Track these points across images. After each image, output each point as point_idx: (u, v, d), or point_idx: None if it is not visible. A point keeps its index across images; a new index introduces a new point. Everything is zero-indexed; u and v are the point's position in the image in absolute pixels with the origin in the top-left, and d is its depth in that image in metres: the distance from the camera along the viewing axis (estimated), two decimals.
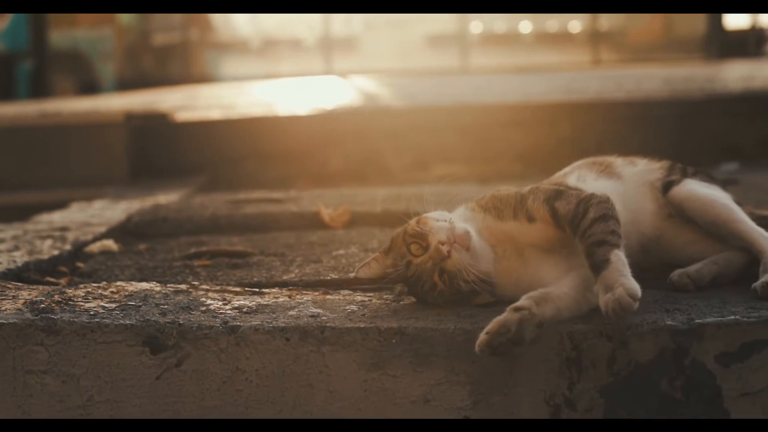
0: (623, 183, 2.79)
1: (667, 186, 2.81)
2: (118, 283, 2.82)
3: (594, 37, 17.31)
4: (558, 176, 2.84)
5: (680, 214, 2.79)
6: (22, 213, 4.92)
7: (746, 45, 15.98)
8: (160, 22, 18.49)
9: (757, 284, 2.56)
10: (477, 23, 18.46)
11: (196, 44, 18.52)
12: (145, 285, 2.80)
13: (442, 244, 2.42)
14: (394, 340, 2.35)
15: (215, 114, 7.41)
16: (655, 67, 13.54)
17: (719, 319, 2.37)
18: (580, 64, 16.10)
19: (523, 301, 2.31)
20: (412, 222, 2.52)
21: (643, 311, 2.43)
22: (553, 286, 2.42)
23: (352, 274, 2.98)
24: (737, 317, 2.37)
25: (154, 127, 6.93)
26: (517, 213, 2.55)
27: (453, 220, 2.49)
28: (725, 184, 4.85)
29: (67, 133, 6.98)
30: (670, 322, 2.35)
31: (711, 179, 2.92)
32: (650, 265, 2.79)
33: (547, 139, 6.85)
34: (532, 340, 2.29)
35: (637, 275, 2.37)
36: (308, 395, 2.37)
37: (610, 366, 2.35)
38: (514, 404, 2.36)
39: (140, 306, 2.55)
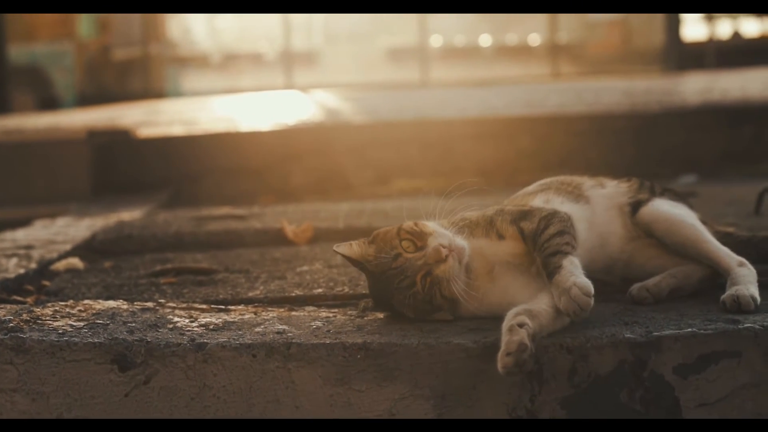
0: (591, 206, 2.83)
1: (635, 206, 2.85)
2: (86, 301, 2.85)
3: (553, 50, 17.45)
4: (522, 195, 2.89)
5: (648, 234, 2.84)
6: None
7: (704, 57, 16.16)
8: (120, 37, 18.44)
9: (725, 297, 2.61)
10: (437, 36, 18.56)
11: (157, 59, 18.48)
12: (112, 303, 2.83)
13: (443, 247, 2.46)
14: (359, 356, 2.39)
15: (177, 130, 7.42)
16: (613, 79, 13.66)
17: (677, 331, 2.42)
18: (540, 76, 16.22)
19: (519, 318, 2.33)
20: (410, 222, 2.56)
21: (602, 324, 2.50)
22: (532, 302, 2.45)
23: (318, 290, 3.03)
24: (694, 329, 2.42)
25: (117, 144, 6.93)
26: (488, 232, 2.60)
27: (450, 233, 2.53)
28: (685, 196, 4.97)
29: (29, 151, 6.97)
30: (628, 335, 2.41)
31: (678, 197, 2.97)
32: (611, 280, 2.85)
33: (508, 153, 6.91)
34: None
35: (598, 290, 2.44)
36: (274, 411, 2.40)
37: (570, 378, 2.40)
38: (478, 417, 2.40)
39: (108, 324, 2.58)
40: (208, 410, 2.41)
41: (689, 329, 2.43)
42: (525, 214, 2.63)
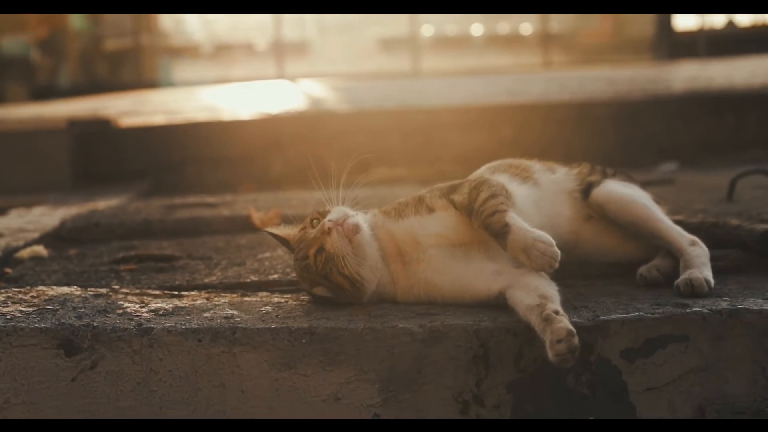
0: (540, 189, 2.83)
1: (587, 188, 2.86)
2: (40, 287, 2.85)
3: (545, 40, 17.41)
4: (472, 177, 2.89)
5: (601, 214, 2.85)
6: None
7: (695, 46, 16.12)
8: (112, 28, 18.40)
9: (679, 281, 2.62)
10: (428, 26, 18.52)
11: (148, 50, 18.45)
12: (65, 289, 2.83)
13: (330, 221, 2.50)
14: (304, 340, 2.39)
15: (158, 119, 7.42)
16: (604, 68, 13.64)
17: (623, 315, 2.43)
18: (531, 66, 16.20)
19: (550, 306, 2.32)
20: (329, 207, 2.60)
21: None
22: (535, 287, 2.44)
23: (273, 276, 3.03)
24: (641, 313, 2.43)
25: (97, 134, 6.92)
26: (418, 208, 2.61)
27: (356, 215, 2.55)
28: (661, 184, 4.98)
29: (10, 140, 6.97)
30: (575, 319, 2.40)
31: (629, 179, 2.98)
32: (569, 261, 2.85)
33: (489, 141, 6.90)
34: None
35: (553, 275, 2.47)
36: (221, 395, 2.41)
37: (517, 363, 2.40)
38: (424, 401, 2.40)
39: (58, 310, 2.58)
40: (155, 395, 2.41)
41: (636, 313, 2.44)
42: (455, 187, 2.65)
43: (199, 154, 6.98)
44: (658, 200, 2.95)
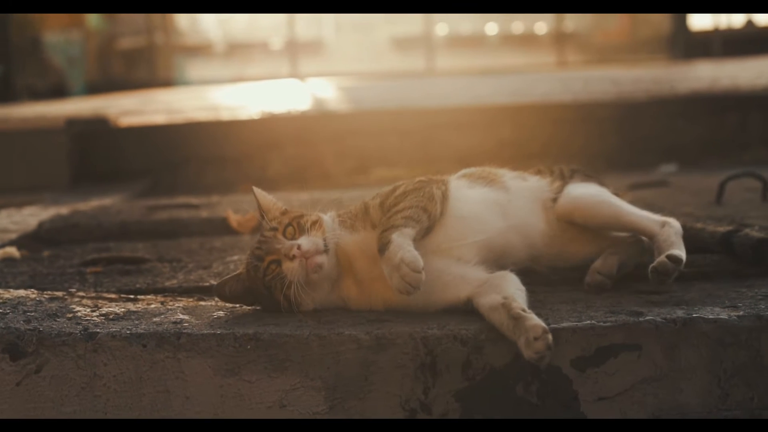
0: (509, 194, 2.79)
1: (553, 200, 2.84)
2: None
3: (559, 39, 17.34)
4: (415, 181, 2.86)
5: (569, 222, 2.81)
6: None
7: (711, 46, 16.02)
8: (128, 26, 18.44)
9: (650, 269, 2.61)
10: (443, 25, 18.47)
11: (162, 48, 18.48)
12: (22, 292, 2.82)
13: (298, 249, 2.44)
14: (249, 346, 2.37)
15: (158, 119, 7.41)
16: (618, 68, 13.57)
17: (575, 323, 2.39)
18: (545, 65, 16.13)
19: (516, 303, 2.32)
20: (314, 216, 2.56)
21: None
22: (495, 288, 2.44)
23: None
24: (593, 322, 2.39)
25: (95, 133, 6.92)
26: (365, 222, 2.57)
27: (327, 242, 2.50)
28: (655, 185, 4.93)
29: (9, 140, 6.98)
30: None
31: (588, 177, 2.95)
32: (538, 269, 2.82)
33: (488, 142, 6.86)
34: None
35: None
36: (165, 401, 2.39)
37: (465, 371, 2.37)
38: (370, 409, 2.37)
39: (8, 313, 2.57)
40: (99, 399, 2.39)
41: (588, 321, 2.40)
42: (390, 194, 2.62)
43: (198, 153, 6.97)
44: (617, 192, 2.92)
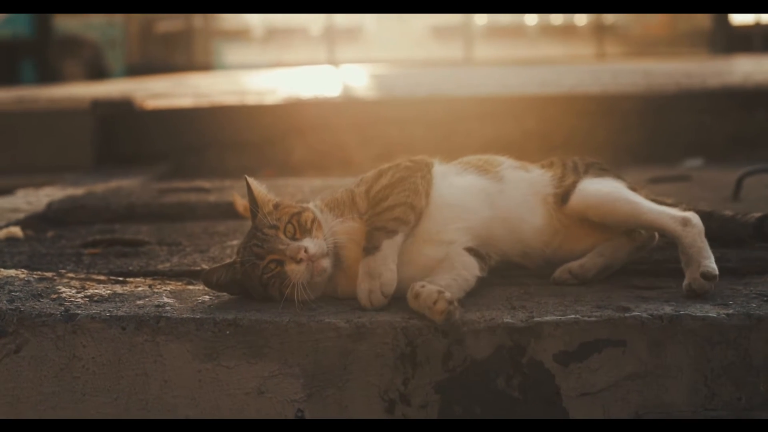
0: (502, 185, 2.73)
1: (564, 196, 2.74)
2: None
3: (599, 31, 17.21)
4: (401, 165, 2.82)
5: (583, 220, 2.74)
6: None
7: (752, 40, 15.85)
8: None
9: (684, 286, 2.53)
10: (482, 15, 18.40)
11: (200, 32, 18.54)
12: (12, 272, 2.83)
13: (306, 253, 2.41)
14: (228, 332, 2.35)
15: (183, 102, 7.41)
16: (655, 61, 13.44)
17: (558, 317, 2.36)
18: (583, 57, 16.01)
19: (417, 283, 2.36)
20: (310, 215, 2.52)
21: (486, 307, 2.44)
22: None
23: None
24: (577, 316, 2.36)
25: (120, 115, 6.91)
26: (352, 212, 2.55)
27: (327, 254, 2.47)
28: (677, 180, 4.88)
29: (35, 120, 7.01)
30: (507, 320, 2.34)
31: (603, 171, 2.86)
32: (528, 264, 2.78)
33: (513, 132, 6.80)
34: None
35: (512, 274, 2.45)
36: (143, 384, 2.38)
37: (445, 362, 2.34)
38: (349, 398, 2.36)
39: None
40: (78, 381, 2.39)
41: (572, 315, 2.36)
42: (377, 177, 2.61)
43: (222, 137, 6.96)
44: (634, 186, 2.85)
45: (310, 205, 2.59)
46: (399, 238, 2.45)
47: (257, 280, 2.45)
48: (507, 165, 2.82)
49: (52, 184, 5.50)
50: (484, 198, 2.66)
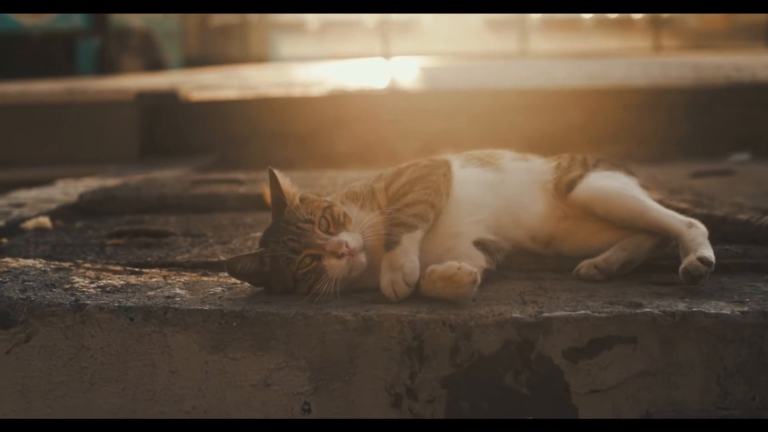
0: (502, 173, 2.75)
1: (569, 186, 2.74)
2: (6, 259, 2.87)
3: (655, 23, 17.01)
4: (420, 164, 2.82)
5: (587, 213, 2.73)
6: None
7: None
8: None
9: (680, 270, 2.51)
10: None
11: (257, 24, 18.61)
12: (30, 262, 2.85)
13: (347, 247, 2.40)
14: (234, 323, 2.35)
15: (229, 94, 7.45)
16: (711, 54, 13.27)
17: (568, 313, 2.32)
18: (639, 50, 15.85)
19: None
20: (342, 208, 2.51)
21: (497, 302, 2.42)
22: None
23: None
24: (587, 312, 2.32)
25: (164, 107, 6.98)
26: (372, 203, 2.55)
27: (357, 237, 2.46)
28: (720, 174, 4.81)
29: (81, 112, 7.08)
30: (516, 315, 2.32)
31: (614, 166, 2.85)
32: (540, 250, 2.77)
33: (557, 126, 6.76)
34: None
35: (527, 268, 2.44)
36: (151, 374, 2.38)
37: (452, 357, 2.32)
38: (355, 392, 2.34)
39: (6, 282, 2.58)
40: (86, 371, 2.40)
41: (582, 311, 2.33)
42: (397, 174, 2.61)
43: (266, 129, 6.99)
44: (646, 184, 2.82)
45: (330, 199, 2.58)
46: (419, 234, 2.45)
47: (290, 275, 2.44)
48: (507, 157, 2.85)
49: (94, 175, 5.55)
50: (488, 189, 2.68)
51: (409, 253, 2.39)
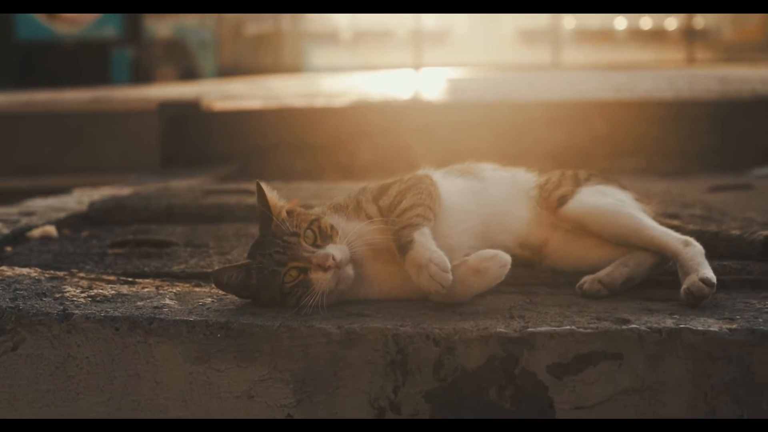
0: (483, 183, 2.76)
1: (561, 200, 2.73)
2: (2, 267, 2.89)
3: (689, 36, 16.90)
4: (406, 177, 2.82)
5: (580, 228, 2.71)
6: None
7: None
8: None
9: (681, 292, 2.49)
10: (570, 19, 18.21)
11: (290, 34, 18.67)
12: (25, 270, 2.87)
13: (333, 260, 2.40)
14: (219, 335, 2.35)
15: (252, 104, 7.47)
16: (743, 67, 13.15)
17: (553, 328, 2.31)
18: (672, 62, 15.74)
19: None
20: (328, 221, 2.51)
21: (483, 316, 2.40)
22: None
23: None
24: (572, 327, 2.30)
25: (187, 116, 7.00)
26: (358, 213, 2.54)
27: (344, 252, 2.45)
28: (738, 188, 4.76)
29: (106, 121, 7.14)
30: (501, 330, 2.30)
31: (607, 180, 2.83)
32: (530, 257, 2.76)
33: (581, 138, 6.72)
34: None
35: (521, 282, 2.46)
36: (136, 385, 2.39)
37: (436, 371, 2.31)
38: (339, 405, 2.34)
39: None
40: (72, 380, 2.41)
41: (568, 327, 2.31)
42: (384, 189, 2.59)
43: (288, 139, 7.00)
44: (640, 198, 2.80)
45: (317, 211, 2.59)
46: (426, 230, 2.43)
47: (277, 288, 2.43)
48: (487, 168, 2.86)
49: (112, 184, 5.58)
50: (472, 197, 2.69)
51: (427, 245, 2.38)
